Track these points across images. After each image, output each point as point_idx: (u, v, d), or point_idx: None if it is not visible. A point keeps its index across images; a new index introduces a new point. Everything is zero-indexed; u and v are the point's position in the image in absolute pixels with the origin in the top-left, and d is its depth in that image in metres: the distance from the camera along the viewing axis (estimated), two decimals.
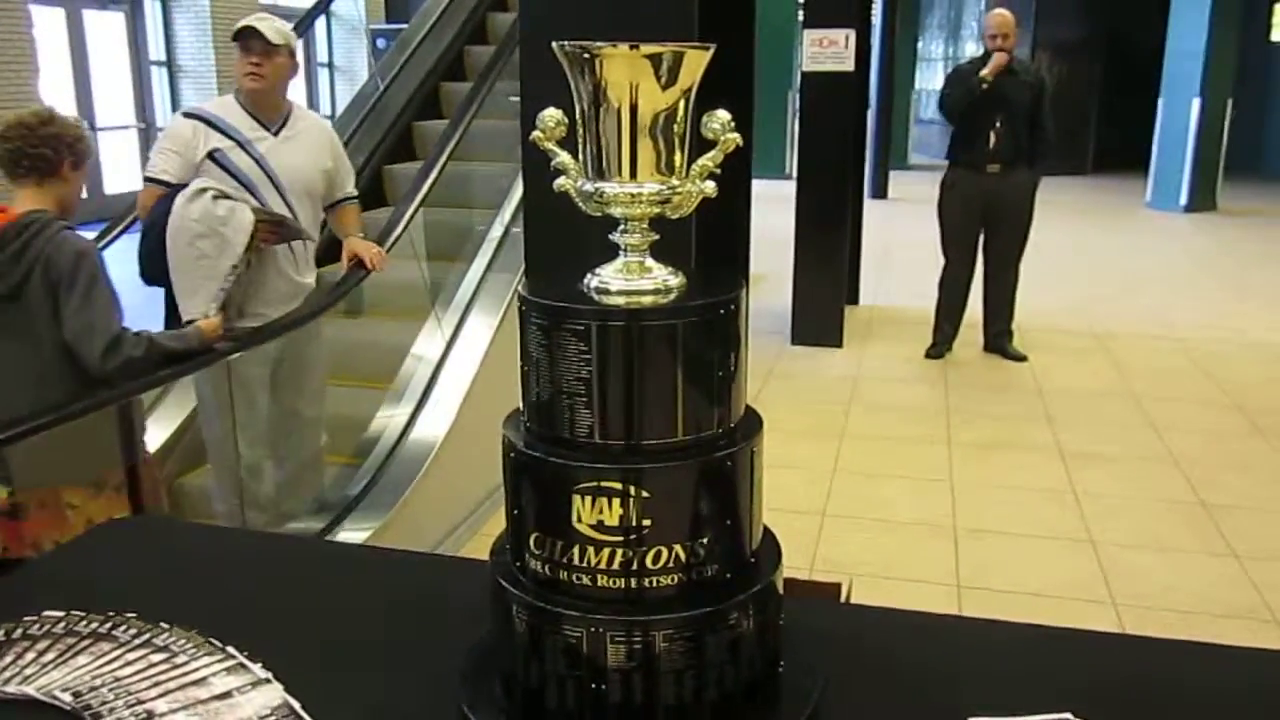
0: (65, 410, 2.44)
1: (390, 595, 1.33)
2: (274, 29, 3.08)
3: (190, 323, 2.86)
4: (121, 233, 3.93)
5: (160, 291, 3.06)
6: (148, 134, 12.08)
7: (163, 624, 1.15)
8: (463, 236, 4.72)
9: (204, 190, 2.91)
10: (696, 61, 0.96)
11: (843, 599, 1.70)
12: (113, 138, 11.61)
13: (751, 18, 5.11)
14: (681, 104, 0.97)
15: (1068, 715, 1.03)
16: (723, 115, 1.00)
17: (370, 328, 4.49)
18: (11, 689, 1.06)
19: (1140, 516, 3.97)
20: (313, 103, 13.69)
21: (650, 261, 1.02)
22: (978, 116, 5.69)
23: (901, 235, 9.84)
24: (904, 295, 7.54)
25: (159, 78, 12.22)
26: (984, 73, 5.59)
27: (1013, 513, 3.99)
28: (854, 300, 7.40)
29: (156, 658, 1.11)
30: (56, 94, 10.49)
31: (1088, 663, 1.17)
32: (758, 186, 5.51)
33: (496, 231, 4.52)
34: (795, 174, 6.60)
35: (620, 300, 0.99)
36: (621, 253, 1.02)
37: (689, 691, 0.98)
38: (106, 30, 11.61)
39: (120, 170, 11.42)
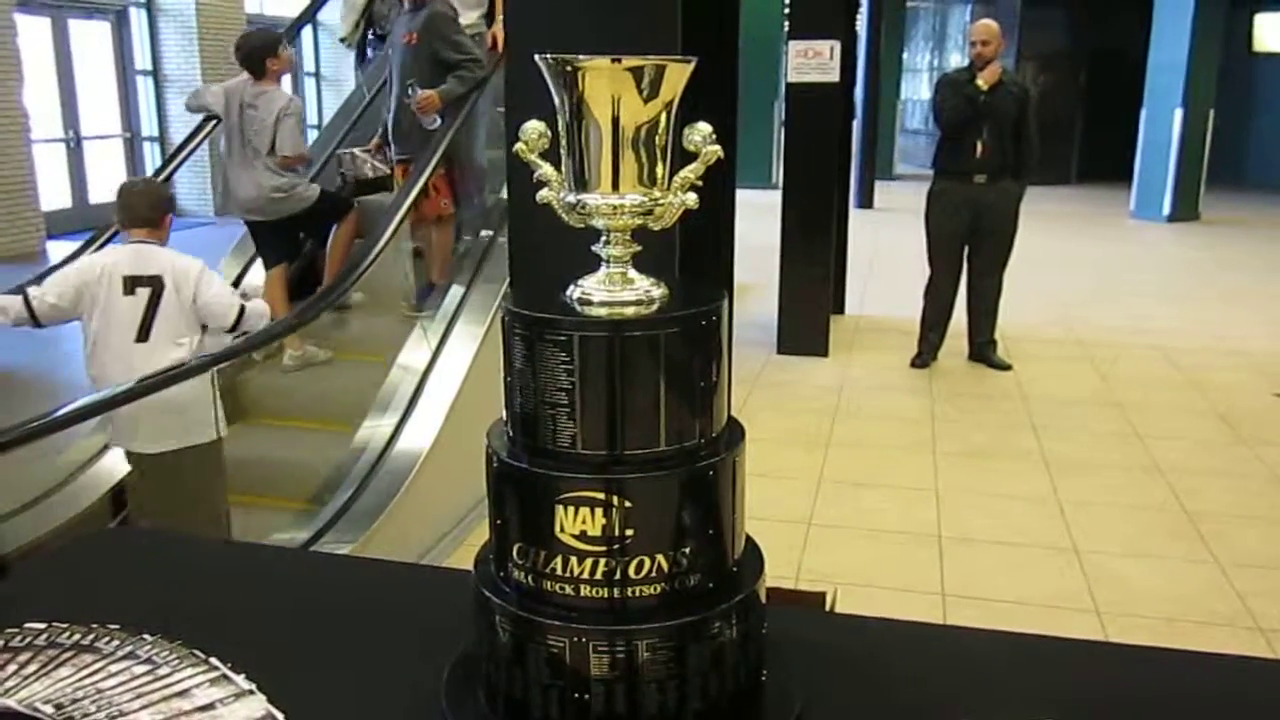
0: (47, 420, 2.48)
1: (374, 606, 1.33)
2: None
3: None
4: (111, 238, 4.14)
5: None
6: (133, 143, 12.02)
7: (145, 635, 1.15)
8: None
9: None
10: (678, 75, 0.96)
11: (828, 608, 1.70)
12: (98, 147, 11.55)
13: (735, 30, 5.12)
14: (663, 116, 0.98)
15: None
16: (704, 128, 1.01)
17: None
18: None
19: (1124, 524, 3.99)
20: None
21: (633, 273, 1.03)
22: (964, 127, 5.74)
23: (887, 245, 9.89)
24: (889, 305, 7.57)
25: (145, 87, 12.16)
26: (980, 84, 5.63)
27: (998, 521, 4.01)
28: (840, 310, 7.42)
29: (139, 669, 1.10)
30: (41, 103, 10.44)
31: (1072, 671, 1.17)
32: (743, 196, 5.51)
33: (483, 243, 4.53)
34: (781, 184, 6.63)
35: (603, 311, 1.00)
36: (604, 264, 1.03)
37: (672, 701, 0.98)
38: (92, 39, 11.55)
39: (105, 180, 11.35)
